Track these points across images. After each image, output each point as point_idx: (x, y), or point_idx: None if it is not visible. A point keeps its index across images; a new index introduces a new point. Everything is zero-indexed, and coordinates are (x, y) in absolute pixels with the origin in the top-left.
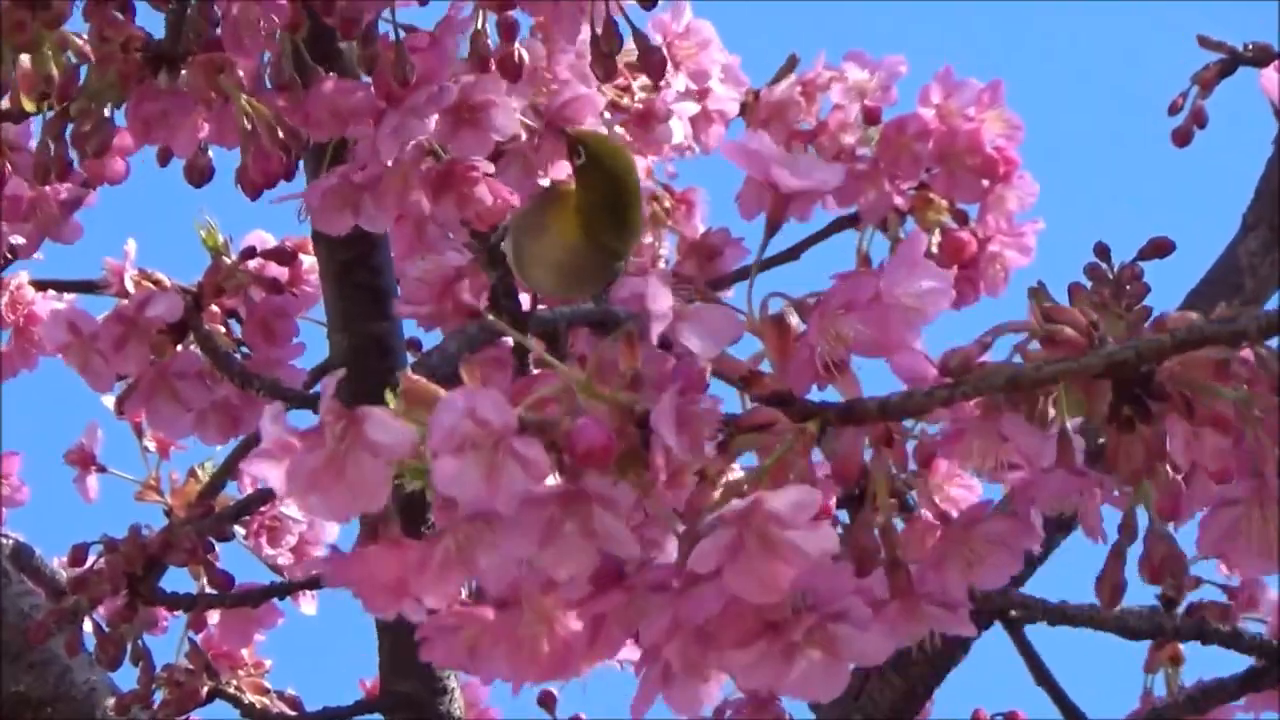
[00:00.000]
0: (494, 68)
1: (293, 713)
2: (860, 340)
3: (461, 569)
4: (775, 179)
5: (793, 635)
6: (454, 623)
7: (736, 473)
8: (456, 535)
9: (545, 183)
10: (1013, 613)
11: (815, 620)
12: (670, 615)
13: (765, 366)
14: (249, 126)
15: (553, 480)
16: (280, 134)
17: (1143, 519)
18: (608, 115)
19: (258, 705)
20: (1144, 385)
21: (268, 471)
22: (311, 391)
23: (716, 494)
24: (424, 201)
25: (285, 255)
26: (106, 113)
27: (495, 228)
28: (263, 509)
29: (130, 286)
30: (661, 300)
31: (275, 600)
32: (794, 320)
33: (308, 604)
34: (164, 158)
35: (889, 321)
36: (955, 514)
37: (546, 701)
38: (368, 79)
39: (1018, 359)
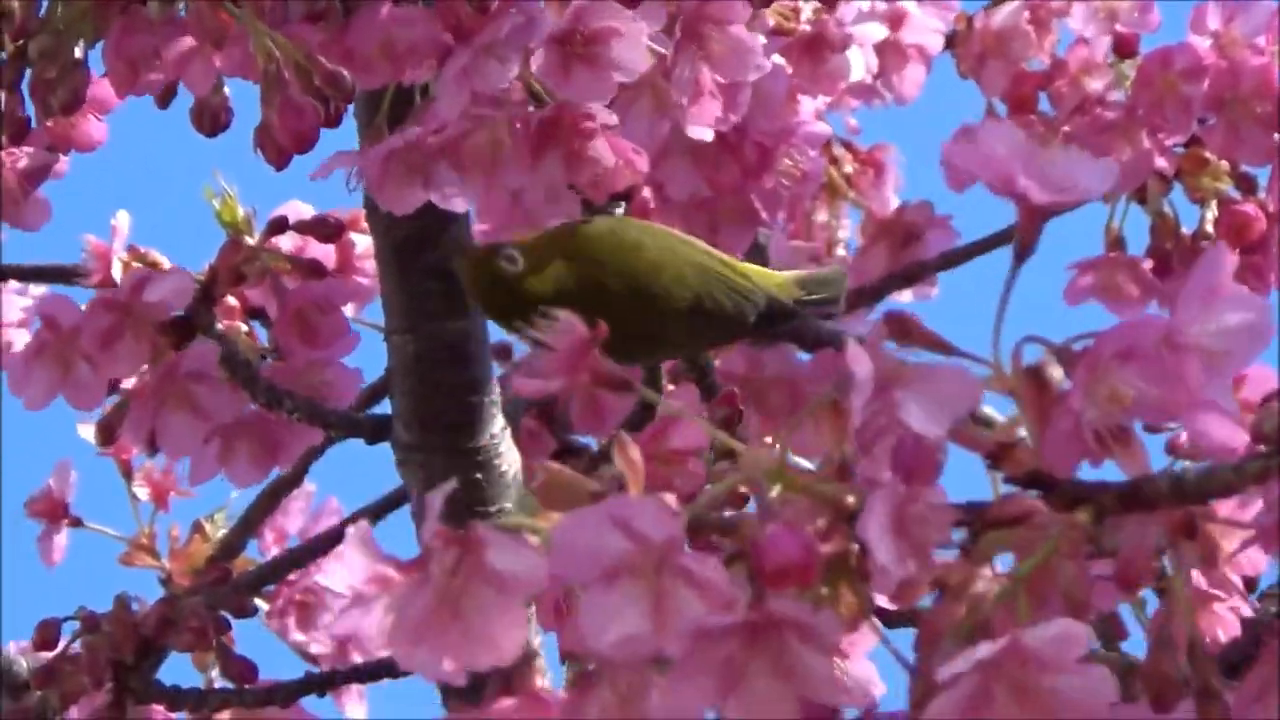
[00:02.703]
0: None
1: None
2: (1144, 399)
3: None
4: (1024, 191)
5: None
6: None
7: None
8: (616, 685)
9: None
10: None
11: None
12: None
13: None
14: (272, 70)
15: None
16: (315, 79)
17: None
18: (763, 39)
19: None
20: None
21: (355, 620)
22: (364, 415)
23: (961, 611)
24: (522, 163)
25: (330, 229)
26: (78, 53)
27: (616, 197)
28: (292, 578)
29: (118, 274)
30: (862, 363)
31: (311, 698)
32: (1056, 374)
33: (354, 705)
34: (165, 97)
35: (1183, 373)
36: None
37: None
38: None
39: None
